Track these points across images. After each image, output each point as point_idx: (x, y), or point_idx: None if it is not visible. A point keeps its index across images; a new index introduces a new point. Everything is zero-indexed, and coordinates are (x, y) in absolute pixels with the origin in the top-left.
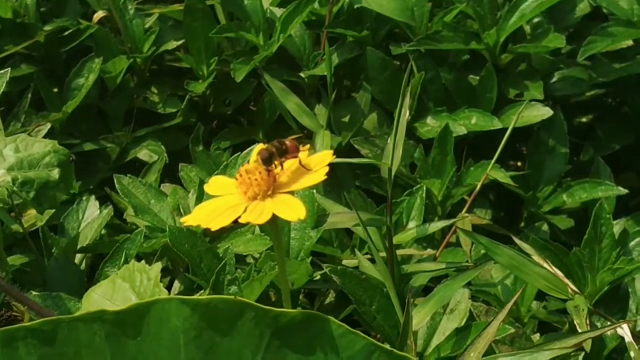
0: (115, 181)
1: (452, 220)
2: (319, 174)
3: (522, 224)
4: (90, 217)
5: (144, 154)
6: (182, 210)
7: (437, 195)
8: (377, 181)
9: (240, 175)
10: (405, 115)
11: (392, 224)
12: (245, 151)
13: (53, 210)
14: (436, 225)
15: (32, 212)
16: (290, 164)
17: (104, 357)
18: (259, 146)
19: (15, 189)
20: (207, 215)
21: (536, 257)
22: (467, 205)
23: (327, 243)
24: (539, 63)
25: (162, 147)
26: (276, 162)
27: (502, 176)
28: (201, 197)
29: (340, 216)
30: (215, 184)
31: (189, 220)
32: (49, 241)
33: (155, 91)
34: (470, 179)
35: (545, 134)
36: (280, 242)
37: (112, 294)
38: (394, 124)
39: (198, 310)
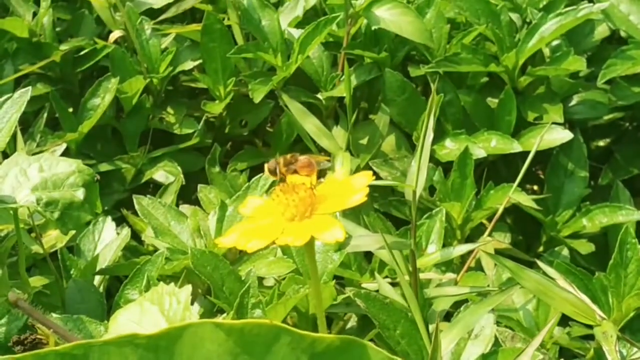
0: (134, 202)
1: (476, 244)
2: (360, 195)
3: (541, 249)
4: (107, 238)
5: (160, 175)
6: (202, 232)
7: (456, 218)
8: (396, 204)
9: (277, 196)
10: (430, 137)
11: (416, 247)
12: (256, 179)
13: (74, 232)
14: (461, 249)
15: (53, 232)
16: (328, 184)
17: None
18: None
19: (39, 209)
20: (243, 237)
21: (561, 282)
22: (489, 229)
23: (346, 266)
24: (558, 86)
25: (178, 168)
26: (282, 172)
27: (525, 199)
28: (222, 218)
29: (364, 239)
30: (250, 204)
31: (224, 242)
32: (67, 263)
33: (171, 112)
34: (490, 202)
35: (565, 157)
36: (315, 264)
37: (140, 317)
38: (419, 146)
39: (232, 334)
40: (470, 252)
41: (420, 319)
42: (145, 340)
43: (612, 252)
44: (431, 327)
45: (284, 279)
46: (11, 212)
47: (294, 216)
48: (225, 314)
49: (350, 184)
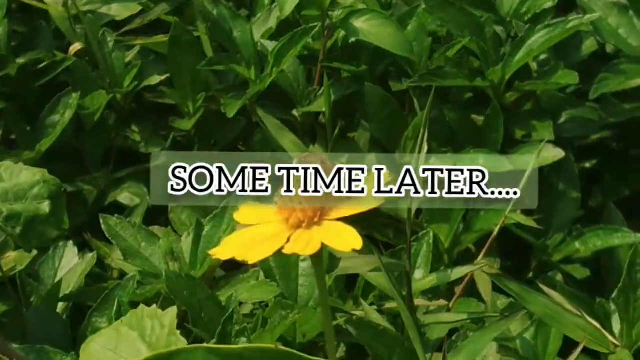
0: (101, 222)
1: (475, 267)
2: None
3: (531, 274)
4: (68, 265)
5: (124, 197)
6: (176, 254)
7: (444, 242)
8: (379, 227)
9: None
10: (424, 152)
11: (411, 271)
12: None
13: (35, 253)
14: (459, 271)
15: (12, 255)
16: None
17: None
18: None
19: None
20: (242, 247)
21: (568, 307)
22: (483, 251)
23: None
24: (548, 102)
25: (145, 189)
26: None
27: (525, 219)
28: (198, 239)
29: (354, 260)
30: (247, 212)
31: (220, 253)
32: (27, 289)
33: (137, 129)
34: (480, 224)
35: (555, 177)
36: (324, 280)
37: (116, 344)
38: (414, 161)
39: None
40: (460, 278)
41: (420, 348)
42: None
43: (606, 277)
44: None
45: (266, 304)
46: None
47: (301, 222)
48: (204, 344)
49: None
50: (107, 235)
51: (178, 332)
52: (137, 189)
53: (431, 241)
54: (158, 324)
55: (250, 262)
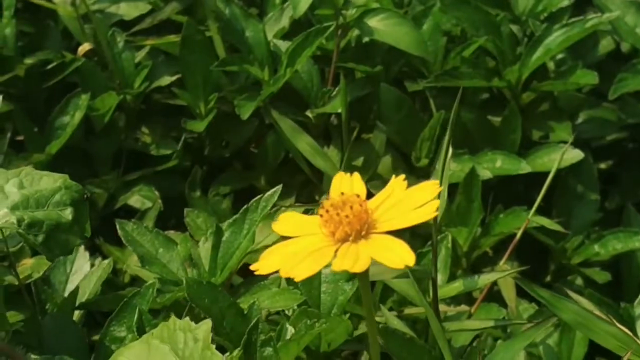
0: (117, 227)
1: (503, 273)
2: (427, 209)
3: (549, 278)
4: (80, 270)
5: (135, 200)
6: (194, 261)
7: (462, 245)
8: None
9: (327, 212)
10: (450, 154)
11: (437, 277)
12: (256, 201)
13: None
14: (487, 278)
15: (28, 262)
16: (384, 197)
17: None
18: (340, 175)
19: (21, 231)
20: (286, 261)
21: (598, 313)
22: (506, 255)
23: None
24: (565, 102)
25: (156, 192)
26: None
27: (549, 223)
28: (218, 245)
29: (380, 267)
30: (288, 222)
31: (262, 268)
32: (42, 297)
33: (147, 131)
34: (500, 228)
35: (573, 179)
36: (369, 293)
37: (147, 358)
38: (440, 164)
39: None
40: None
41: (449, 356)
42: None
43: (626, 280)
44: None
45: (284, 311)
46: None
47: (348, 236)
48: (227, 353)
49: (412, 197)
50: (123, 241)
51: (213, 346)
52: (148, 192)
53: (450, 245)
54: (191, 338)
55: (297, 279)
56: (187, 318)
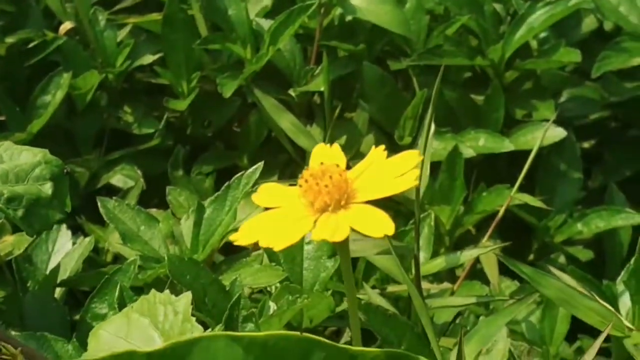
0: (99, 205)
1: (486, 249)
2: (407, 178)
3: (532, 256)
4: (62, 248)
5: (117, 179)
6: (176, 238)
7: (445, 223)
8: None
9: (306, 181)
10: (432, 130)
11: (419, 253)
12: (237, 178)
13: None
14: (470, 254)
15: (9, 238)
16: (363, 167)
17: None
18: (320, 146)
19: (0, 205)
20: (266, 232)
21: (581, 290)
22: (489, 232)
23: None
24: (548, 81)
25: (138, 171)
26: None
27: (532, 200)
28: (200, 222)
29: (361, 243)
30: (268, 193)
31: (242, 238)
32: (23, 274)
33: (129, 110)
34: (482, 206)
35: (556, 157)
36: (349, 265)
37: (127, 331)
38: (422, 140)
39: (253, 350)
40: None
41: (432, 333)
42: (145, 358)
43: (608, 258)
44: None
45: (267, 289)
46: None
47: (327, 206)
48: (209, 329)
49: (392, 167)
50: (105, 218)
51: (193, 319)
52: (130, 171)
53: (432, 223)
54: (171, 310)
55: (277, 249)
56: (167, 291)
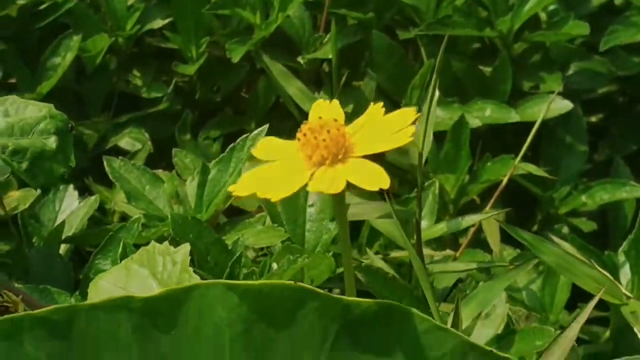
0: (105, 164)
1: (487, 214)
2: (402, 134)
3: (536, 227)
4: (68, 208)
5: (125, 142)
6: (180, 198)
7: (449, 192)
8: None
9: (304, 135)
10: (435, 96)
11: (420, 217)
12: (242, 139)
13: (38, 193)
14: (471, 219)
15: (15, 194)
16: (361, 123)
17: (130, 355)
18: (319, 101)
19: (5, 157)
20: (263, 184)
21: (580, 257)
22: (492, 200)
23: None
24: (556, 53)
25: (146, 134)
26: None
27: (535, 169)
28: (204, 183)
29: (363, 207)
30: (267, 147)
31: (239, 189)
32: (28, 229)
33: (138, 74)
34: (487, 175)
35: (562, 130)
36: (345, 219)
37: (126, 281)
38: (426, 106)
39: (248, 298)
40: (464, 228)
41: (430, 296)
42: (142, 303)
43: (612, 230)
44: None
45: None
46: None
47: (324, 159)
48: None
49: (389, 123)
50: (110, 177)
51: (191, 269)
52: (138, 134)
53: (437, 191)
54: (170, 261)
55: (273, 199)
56: (167, 242)
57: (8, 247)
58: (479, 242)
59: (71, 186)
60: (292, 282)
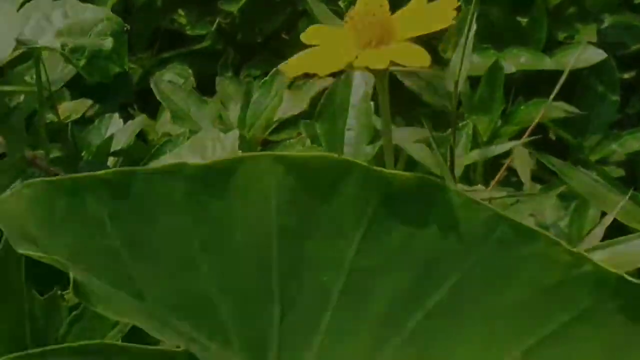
0: (152, 85)
1: (519, 141)
2: (444, 18)
3: None
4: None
5: (169, 77)
6: (224, 119)
7: (482, 134)
8: (418, 117)
9: (352, 19)
10: (473, 27)
11: (455, 145)
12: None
13: (90, 102)
14: (505, 146)
15: (68, 104)
16: (407, 11)
17: (184, 218)
18: None
19: (65, 54)
20: (312, 62)
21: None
22: (524, 137)
23: None
24: (592, 5)
25: (189, 70)
26: None
27: (568, 107)
28: (247, 106)
29: (400, 131)
30: (315, 32)
31: (290, 69)
32: (77, 144)
33: (183, 13)
34: (520, 117)
35: (595, 79)
36: (386, 96)
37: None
38: (464, 35)
39: (294, 169)
40: (495, 165)
41: None
42: (196, 170)
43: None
44: None
45: None
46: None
47: (370, 41)
48: None
49: (431, 10)
50: (157, 97)
51: (240, 152)
52: (181, 70)
53: (470, 132)
54: (220, 146)
55: (321, 74)
56: (216, 129)
57: (60, 154)
58: (510, 182)
59: (116, 114)
60: (336, 154)
